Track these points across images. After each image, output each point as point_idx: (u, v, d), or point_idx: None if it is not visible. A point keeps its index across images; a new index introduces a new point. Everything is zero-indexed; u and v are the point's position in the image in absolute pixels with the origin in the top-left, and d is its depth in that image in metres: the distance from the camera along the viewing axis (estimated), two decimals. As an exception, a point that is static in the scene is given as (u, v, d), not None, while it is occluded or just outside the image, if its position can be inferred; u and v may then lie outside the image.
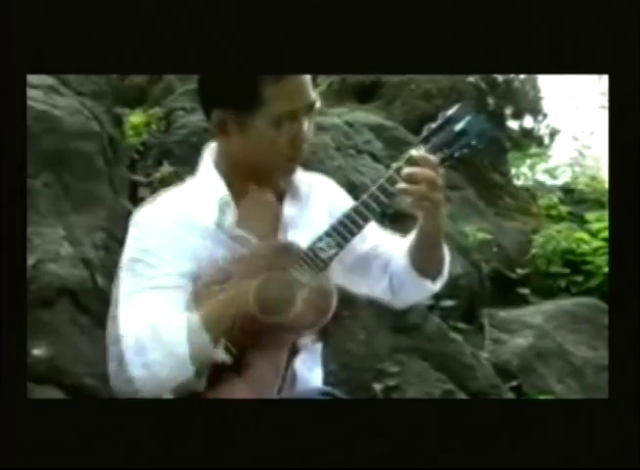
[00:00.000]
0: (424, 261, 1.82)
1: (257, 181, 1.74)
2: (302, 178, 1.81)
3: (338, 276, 1.76)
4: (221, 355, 1.61)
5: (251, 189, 1.74)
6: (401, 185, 1.65)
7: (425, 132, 1.73)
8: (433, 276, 1.85)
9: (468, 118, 1.72)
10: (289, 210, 1.77)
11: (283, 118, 1.65)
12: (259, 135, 1.67)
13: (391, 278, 1.87)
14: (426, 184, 1.64)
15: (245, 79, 1.64)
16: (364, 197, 1.68)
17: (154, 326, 1.60)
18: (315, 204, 1.81)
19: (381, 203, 1.66)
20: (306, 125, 1.69)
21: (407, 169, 1.65)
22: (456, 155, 1.72)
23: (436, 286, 1.87)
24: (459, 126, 1.71)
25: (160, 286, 1.66)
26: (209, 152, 1.80)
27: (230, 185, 1.73)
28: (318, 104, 1.71)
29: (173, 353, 1.58)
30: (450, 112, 1.74)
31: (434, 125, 1.73)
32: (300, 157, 1.73)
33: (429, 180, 1.64)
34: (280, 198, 1.78)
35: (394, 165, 1.69)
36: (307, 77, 1.69)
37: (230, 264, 1.69)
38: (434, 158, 1.67)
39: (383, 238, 1.92)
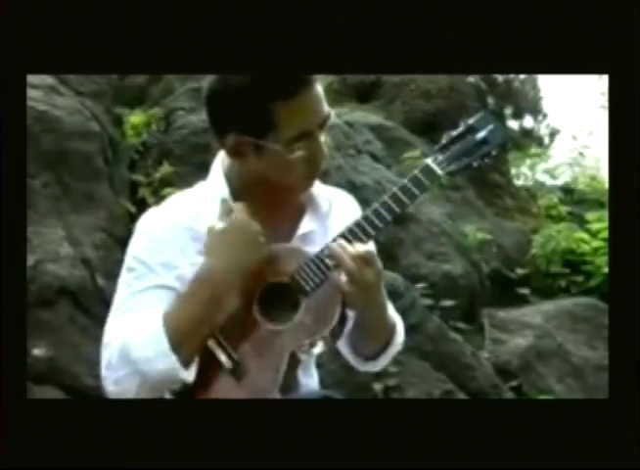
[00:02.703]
0: (354, 341, 1.78)
1: (275, 198, 1.72)
2: (323, 194, 1.78)
3: None
4: (223, 361, 1.61)
5: (266, 201, 1.71)
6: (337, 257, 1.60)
7: (444, 140, 1.68)
8: (364, 358, 1.79)
9: (491, 127, 1.67)
10: (307, 225, 1.74)
11: (298, 139, 1.62)
12: (276, 157, 1.63)
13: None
14: (360, 263, 1.59)
15: (256, 105, 1.59)
16: (375, 205, 1.64)
17: (124, 343, 1.58)
18: (334, 221, 1.76)
19: (392, 212, 1.63)
20: (323, 139, 1.65)
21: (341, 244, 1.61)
22: (475, 164, 1.67)
23: (365, 367, 1.81)
24: (481, 135, 1.67)
25: (147, 292, 1.65)
26: (222, 159, 1.76)
27: (242, 196, 1.70)
28: (332, 114, 1.67)
29: (141, 373, 1.57)
30: (472, 120, 1.69)
31: (454, 133, 1.68)
32: (319, 172, 1.70)
33: (363, 260, 1.59)
34: (299, 211, 1.76)
35: (406, 178, 1.64)
36: (319, 94, 1.63)
37: None
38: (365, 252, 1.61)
39: None
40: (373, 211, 1.64)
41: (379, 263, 1.63)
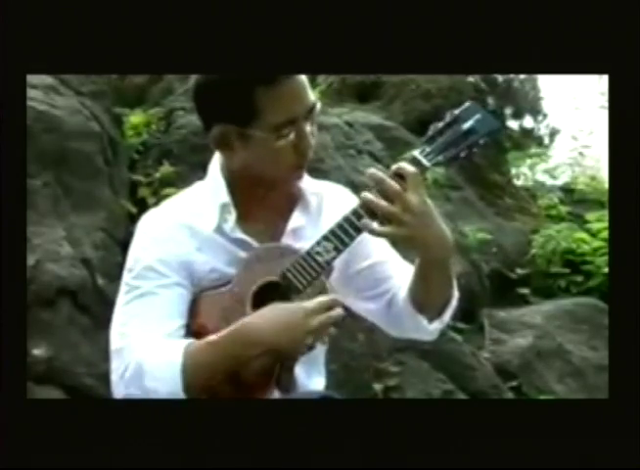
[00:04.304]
0: (420, 296, 1.72)
1: (265, 190, 1.72)
2: (313, 189, 1.77)
3: (339, 292, 1.72)
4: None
5: (258, 196, 1.72)
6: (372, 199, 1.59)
7: (431, 131, 1.67)
8: (430, 316, 1.74)
9: (477, 117, 1.66)
10: (297, 220, 1.74)
11: (282, 127, 1.62)
12: (262, 146, 1.63)
13: (390, 307, 1.78)
14: (398, 204, 1.57)
15: (239, 93, 1.60)
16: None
17: (139, 365, 1.58)
18: (327, 215, 1.75)
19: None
20: (308, 129, 1.66)
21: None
22: (462, 155, 1.66)
23: (432, 327, 1.75)
24: (467, 125, 1.66)
25: (151, 292, 1.65)
26: (219, 157, 1.76)
27: (235, 191, 1.71)
28: (319, 105, 1.67)
29: (152, 395, 1.58)
30: (458, 110, 1.68)
31: (440, 124, 1.67)
32: (306, 162, 1.69)
33: (399, 199, 1.57)
34: (291, 207, 1.75)
35: (393, 167, 1.63)
36: (302, 82, 1.63)
37: (229, 268, 1.68)
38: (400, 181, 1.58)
39: (392, 263, 1.83)
40: (362, 205, 1.62)
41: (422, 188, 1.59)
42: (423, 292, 1.72)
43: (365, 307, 1.82)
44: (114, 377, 1.62)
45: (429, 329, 1.76)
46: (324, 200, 1.78)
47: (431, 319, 1.75)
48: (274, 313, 1.59)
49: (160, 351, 1.59)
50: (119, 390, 1.62)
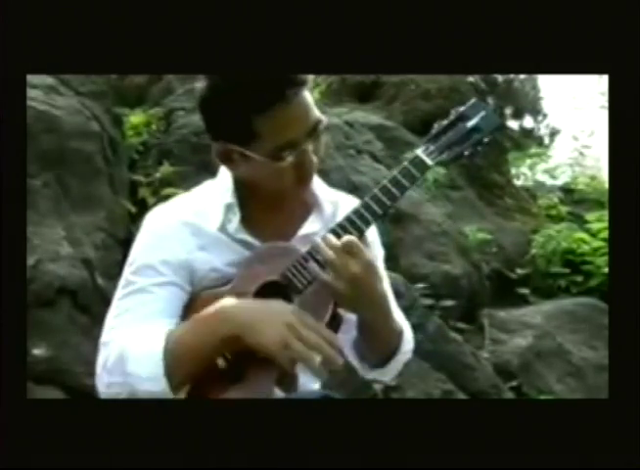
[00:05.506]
0: (358, 344, 1.73)
1: (275, 199, 1.71)
2: (330, 197, 1.77)
3: None
4: (218, 361, 1.59)
5: (266, 200, 1.71)
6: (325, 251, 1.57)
7: (435, 129, 1.66)
8: (370, 364, 1.74)
9: (482, 114, 1.65)
10: (311, 226, 1.73)
11: (281, 150, 1.60)
12: (262, 165, 1.61)
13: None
14: (341, 254, 1.54)
15: (238, 117, 1.58)
16: (365, 199, 1.62)
17: (122, 351, 1.58)
18: None
19: (382, 205, 1.61)
20: (312, 147, 1.63)
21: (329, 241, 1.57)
22: (466, 153, 1.65)
23: (373, 375, 1.76)
24: (472, 123, 1.65)
25: (146, 290, 1.65)
26: None
27: (242, 193, 1.71)
28: (325, 121, 1.64)
29: (132, 386, 1.57)
30: (463, 108, 1.67)
31: (445, 122, 1.66)
32: (311, 178, 1.68)
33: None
34: (304, 212, 1.74)
35: (396, 169, 1.63)
36: (302, 104, 1.59)
37: (230, 268, 1.68)
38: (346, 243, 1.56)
39: None
40: (363, 204, 1.62)
41: (366, 255, 1.57)
42: (361, 343, 1.72)
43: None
44: (99, 370, 1.62)
45: (368, 375, 1.77)
46: (339, 209, 1.76)
47: (371, 368, 1.75)
48: (262, 301, 1.59)
49: (143, 336, 1.59)
50: (102, 380, 1.61)
